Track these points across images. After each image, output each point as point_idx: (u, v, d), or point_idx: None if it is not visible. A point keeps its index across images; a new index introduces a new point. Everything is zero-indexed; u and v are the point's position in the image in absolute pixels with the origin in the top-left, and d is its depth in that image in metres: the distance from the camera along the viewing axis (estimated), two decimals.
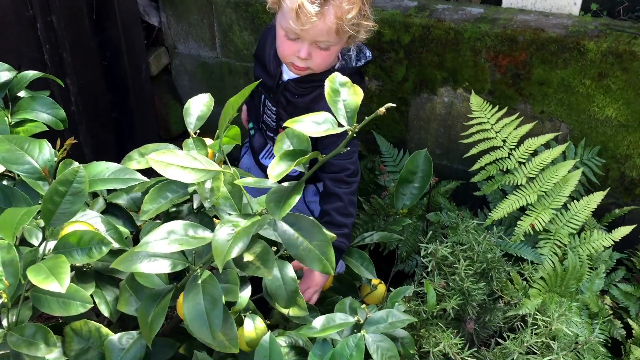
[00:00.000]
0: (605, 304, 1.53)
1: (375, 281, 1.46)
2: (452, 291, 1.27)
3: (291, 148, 1.03)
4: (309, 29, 1.35)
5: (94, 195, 1.46)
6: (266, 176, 1.56)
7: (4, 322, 1.05)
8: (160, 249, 0.95)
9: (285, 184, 0.97)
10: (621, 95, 1.85)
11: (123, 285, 1.15)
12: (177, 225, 0.99)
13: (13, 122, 1.36)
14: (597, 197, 1.61)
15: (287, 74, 1.57)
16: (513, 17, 2.00)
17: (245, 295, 1.20)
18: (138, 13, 2.41)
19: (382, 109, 0.90)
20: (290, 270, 1.16)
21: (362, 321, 1.17)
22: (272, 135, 1.71)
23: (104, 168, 1.12)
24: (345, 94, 0.95)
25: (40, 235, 1.13)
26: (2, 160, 1.09)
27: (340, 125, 0.92)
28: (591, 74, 1.86)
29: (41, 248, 1.04)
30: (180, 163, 0.99)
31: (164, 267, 1.02)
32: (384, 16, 2.08)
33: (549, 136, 1.69)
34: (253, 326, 1.18)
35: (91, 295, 1.17)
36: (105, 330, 1.10)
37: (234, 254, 0.90)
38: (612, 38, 1.83)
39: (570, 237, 1.58)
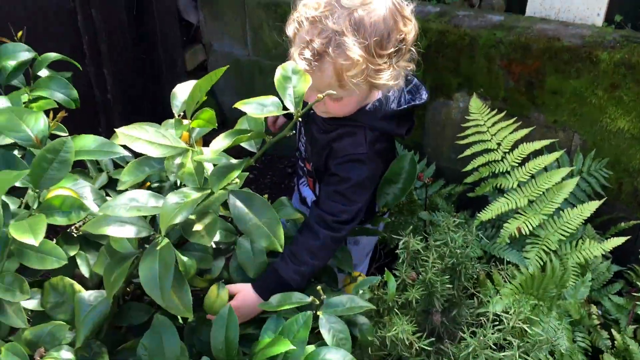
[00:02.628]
0: (591, 313, 1.51)
1: (355, 273, 1.50)
2: (421, 284, 1.30)
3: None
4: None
5: (100, 170, 1.58)
6: (305, 203, 1.64)
7: None
8: (119, 212, 1.04)
9: (234, 161, 1.04)
10: (634, 107, 1.82)
11: (102, 250, 1.25)
12: (140, 193, 1.08)
13: (31, 98, 1.50)
14: (591, 206, 1.60)
15: None
16: (532, 26, 2.00)
17: (218, 264, 1.29)
18: (176, 11, 2.54)
19: (320, 95, 0.96)
20: (259, 245, 1.22)
21: (317, 302, 1.21)
22: (302, 165, 1.66)
23: (91, 141, 1.21)
24: (295, 80, 1.02)
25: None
26: (1, 127, 1.21)
27: (285, 108, 0.99)
28: (604, 84, 1.84)
29: (31, 200, 1.15)
30: (148, 138, 1.08)
31: (130, 232, 1.10)
32: None
33: (544, 142, 1.69)
34: (216, 294, 1.26)
35: (74, 257, 1.29)
36: (78, 287, 1.19)
37: (177, 220, 0.98)
38: (627, 49, 1.80)
39: (559, 244, 1.57)
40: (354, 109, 1.39)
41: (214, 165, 1.09)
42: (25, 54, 1.48)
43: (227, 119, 2.86)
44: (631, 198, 1.95)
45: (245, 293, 1.32)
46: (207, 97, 3.07)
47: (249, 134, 0.98)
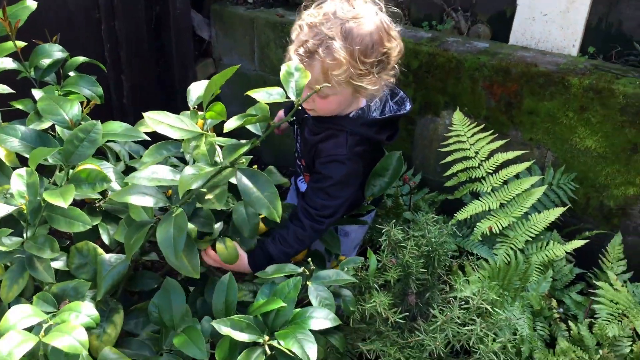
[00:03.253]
0: (551, 307, 1.68)
1: (342, 257, 1.68)
2: (399, 267, 1.48)
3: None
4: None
5: (118, 159, 1.77)
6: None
7: (26, 235, 1.34)
8: (142, 182, 1.23)
9: (243, 141, 1.23)
10: (600, 128, 2.02)
11: (121, 222, 1.43)
12: (160, 168, 1.27)
13: (61, 94, 1.69)
14: (555, 212, 1.78)
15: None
16: (513, 53, 2.22)
17: (217, 226, 1.48)
18: (190, 27, 2.76)
19: (318, 87, 1.16)
20: (252, 210, 1.40)
21: (307, 273, 1.39)
22: (298, 162, 1.83)
23: (118, 126, 1.41)
24: (297, 76, 1.22)
25: None
26: (42, 111, 1.40)
27: (288, 97, 1.18)
28: (574, 106, 2.04)
29: (59, 180, 1.34)
30: (169, 122, 1.27)
31: (149, 202, 1.29)
32: None
33: (517, 153, 1.88)
34: (224, 244, 1.45)
35: (97, 227, 1.47)
36: (100, 250, 1.38)
37: (194, 186, 1.17)
38: (596, 76, 2.01)
39: (526, 244, 1.75)
40: (337, 109, 1.58)
41: (221, 147, 1.28)
42: (59, 54, 1.67)
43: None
44: (597, 211, 2.13)
45: (241, 263, 1.56)
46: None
47: (256, 117, 1.18)
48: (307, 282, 1.39)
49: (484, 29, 2.42)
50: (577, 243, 1.76)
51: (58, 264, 1.37)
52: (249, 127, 1.35)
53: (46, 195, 1.26)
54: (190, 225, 1.41)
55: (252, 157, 1.38)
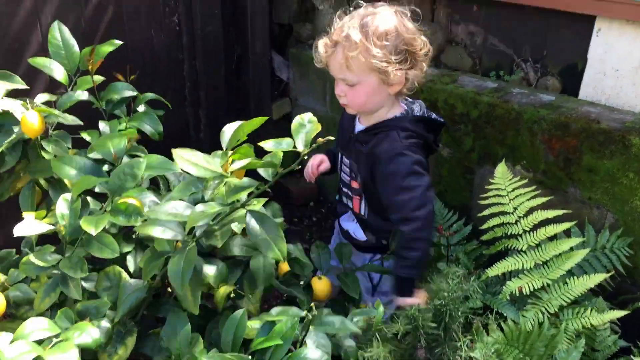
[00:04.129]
0: None
1: (322, 278, 1.74)
2: (407, 318, 1.48)
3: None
4: (329, 66, 1.71)
5: (169, 189, 1.90)
6: (347, 238, 1.97)
7: (64, 254, 1.49)
8: (160, 216, 1.33)
9: (245, 178, 1.31)
10: None
11: (147, 250, 1.55)
12: (180, 204, 1.37)
13: (128, 127, 1.86)
14: (596, 278, 1.69)
15: (358, 127, 1.83)
16: (577, 108, 2.14)
17: (235, 274, 1.56)
18: (269, 68, 2.91)
19: (320, 140, 1.22)
20: (270, 259, 1.46)
21: (310, 317, 1.43)
22: (346, 191, 1.92)
23: (155, 159, 1.54)
24: (308, 127, 1.29)
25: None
26: (95, 145, 1.57)
27: (295, 147, 1.25)
28: (634, 167, 1.94)
29: (95, 207, 1.48)
30: (195, 161, 1.36)
31: (169, 235, 1.39)
32: (459, 92, 2.34)
33: (557, 212, 1.81)
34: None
35: (127, 253, 1.60)
36: (125, 275, 1.50)
37: (200, 223, 1.26)
38: None
39: (561, 309, 1.67)
40: (368, 102, 1.72)
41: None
42: (129, 92, 1.85)
43: (304, 166, 3.16)
44: None
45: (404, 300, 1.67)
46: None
47: (261, 162, 1.25)
48: (310, 327, 1.43)
49: (553, 82, 2.35)
50: (618, 313, 1.65)
51: (88, 284, 1.50)
52: (261, 172, 1.42)
53: (82, 222, 1.40)
54: (208, 268, 1.49)
55: (266, 199, 1.45)
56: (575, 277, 1.71)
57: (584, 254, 1.72)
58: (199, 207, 1.30)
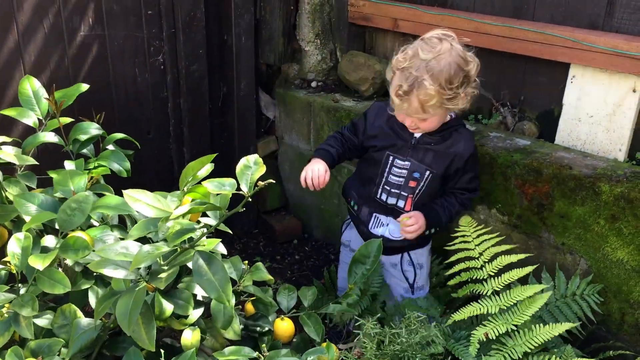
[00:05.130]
0: None
1: (285, 319, 1.75)
2: None
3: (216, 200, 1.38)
4: (403, 111, 1.90)
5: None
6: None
7: (21, 291, 1.50)
8: (110, 255, 1.34)
9: (195, 227, 1.31)
10: (632, 240, 1.88)
11: (107, 289, 1.55)
12: (130, 243, 1.38)
13: (95, 165, 1.88)
14: (563, 327, 1.66)
15: (417, 132, 2.03)
16: (551, 153, 2.15)
17: (196, 314, 1.55)
18: (254, 107, 2.94)
19: (261, 183, 1.23)
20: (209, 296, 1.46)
21: (262, 358, 1.42)
22: (398, 192, 2.08)
23: (113, 200, 1.55)
24: (253, 170, 1.30)
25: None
26: (55, 182, 1.59)
27: (239, 189, 1.26)
28: (605, 214, 1.93)
29: (52, 244, 1.49)
30: (146, 201, 1.38)
31: (121, 274, 1.40)
32: None
33: (521, 256, 1.80)
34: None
35: (89, 289, 1.60)
36: (80, 314, 1.50)
37: (143, 264, 1.26)
38: (630, 185, 1.89)
39: (525, 356, 1.65)
40: (438, 125, 1.96)
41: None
42: (95, 131, 1.88)
43: (288, 203, 3.18)
44: (634, 330, 1.96)
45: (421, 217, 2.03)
46: (275, 184, 3.36)
47: (204, 207, 1.26)
48: None
49: (530, 126, 2.36)
50: None
51: (43, 322, 1.50)
52: (209, 214, 1.43)
53: (30, 258, 1.41)
54: (167, 304, 1.50)
55: (218, 240, 1.46)
56: (541, 325, 1.69)
57: (545, 299, 1.70)
58: (146, 248, 1.30)
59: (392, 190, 2.08)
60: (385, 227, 2.14)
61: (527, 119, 2.39)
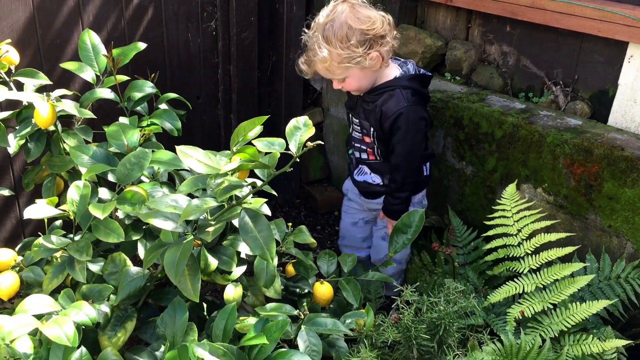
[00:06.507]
0: None
1: (325, 283, 1.78)
2: (399, 327, 1.48)
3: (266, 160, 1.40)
4: (318, 74, 2.05)
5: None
6: (364, 191, 2.29)
7: (76, 238, 1.56)
8: (160, 207, 1.38)
9: (243, 183, 1.34)
10: None
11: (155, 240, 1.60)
12: (180, 197, 1.42)
13: (148, 123, 1.93)
14: (600, 304, 1.65)
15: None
16: (603, 134, 2.10)
17: (238, 271, 1.59)
18: (301, 77, 2.94)
19: (310, 144, 1.24)
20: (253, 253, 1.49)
21: (302, 317, 1.45)
22: (358, 145, 2.23)
23: (165, 155, 1.60)
24: (302, 131, 1.31)
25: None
26: (108, 136, 1.64)
27: (287, 149, 1.28)
28: None
29: (105, 196, 1.55)
30: (197, 157, 1.41)
31: (169, 225, 1.44)
32: (485, 111, 2.33)
33: (560, 235, 1.78)
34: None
35: (138, 241, 1.65)
36: (129, 262, 1.56)
37: (192, 217, 1.30)
38: None
39: (562, 334, 1.64)
40: (362, 84, 2.04)
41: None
42: (149, 89, 1.92)
43: (331, 174, 3.20)
44: None
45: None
46: (319, 155, 3.41)
47: (253, 164, 1.29)
48: (302, 326, 1.45)
49: (582, 106, 2.31)
50: (620, 342, 1.60)
51: (95, 268, 1.56)
52: (257, 172, 1.45)
53: (90, 207, 1.47)
54: (212, 259, 1.54)
55: (265, 199, 1.48)
56: (577, 303, 1.67)
57: (587, 280, 1.68)
58: (195, 202, 1.34)
59: (355, 144, 2.25)
60: (368, 175, 2.26)
61: (580, 98, 2.34)
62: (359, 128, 2.19)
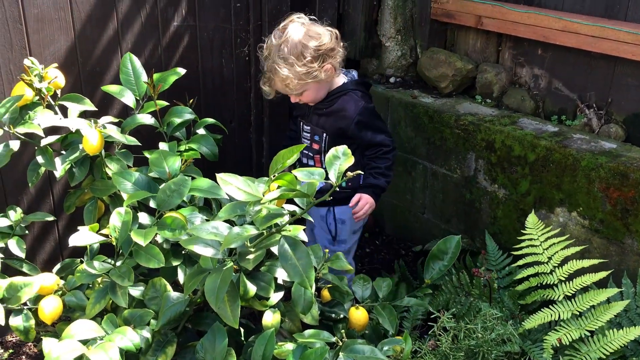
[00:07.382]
0: None
1: (360, 309, 1.77)
2: (436, 354, 1.49)
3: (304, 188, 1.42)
4: (278, 91, 2.19)
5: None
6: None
7: (117, 263, 1.60)
8: (201, 234, 1.41)
9: (283, 212, 1.36)
10: None
11: (194, 267, 1.63)
12: (220, 224, 1.45)
13: (186, 148, 1.97)
14: (638, 330, 1.63)
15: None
16: (639, 158, 2.09)
17: (276, 297, 1.61)
18: None
19: (350, 174, 1.27)
20: (293, 279, 1.51)
21: (340, 343, 1.46)
22: (307, 152, 2.33)
23: (204, 183, 1.63)
24: (341, 160, 1.33)
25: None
26: (150, 162, 1.68)
27: (327, 179, 1.30)
28: None
29: (146, 221, 1.58)
30: (237, 185, 1.44)
31: (209, 252, 1.47)
32: (517, 134, 2.33)
33: (594, 261, 1.77)
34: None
35: (177, 267, 1.68)
36: (169, 287, 1.58)
37: (233, 245, 1.32)
38: None
39: None
40: (318, 95, 2.18)
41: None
42: (188, 115, 1.96)
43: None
44: None
45: (367, 197, 2.17)
46: None
47: (293, 193, 1.31)
48: (340, 353, 1.46)
49: (617, 129, 2.30)
50: None
51: (136, 293, 1.60)
52: (297, 201, 1.48)
53: (132, 233, 1.50)
54: (250, 285, 1.57)
55: (303, 227, 1.50)
56: (615, 330, 1.66)
57: (623, 305, 1.67)
58: (235, 230, 1.36)
59: (304, 151, 2.33)
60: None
61: (614, 121, 2.33)
62: (308, 135, 2.31)
